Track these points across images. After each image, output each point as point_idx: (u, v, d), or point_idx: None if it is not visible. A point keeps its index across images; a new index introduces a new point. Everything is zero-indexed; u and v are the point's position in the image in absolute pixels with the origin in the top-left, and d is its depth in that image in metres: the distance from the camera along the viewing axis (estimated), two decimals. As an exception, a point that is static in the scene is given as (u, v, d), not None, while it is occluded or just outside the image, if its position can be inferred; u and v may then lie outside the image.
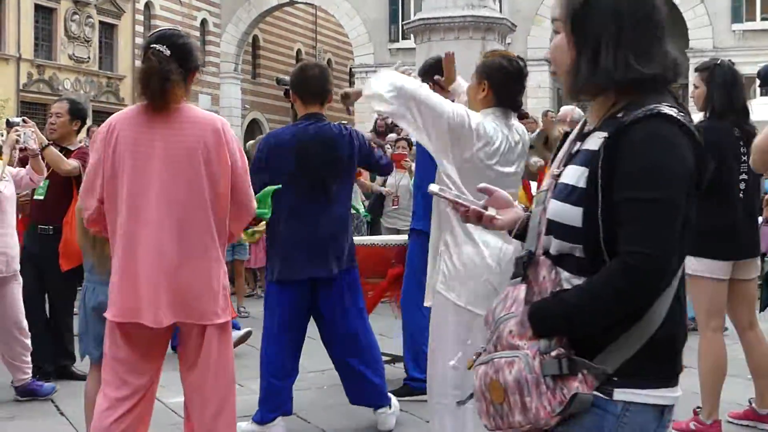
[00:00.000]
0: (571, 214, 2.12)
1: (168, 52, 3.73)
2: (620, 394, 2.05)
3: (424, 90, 3.86)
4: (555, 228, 2.16)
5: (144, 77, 3.73)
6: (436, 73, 5.91)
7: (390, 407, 5.34)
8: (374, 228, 11.26)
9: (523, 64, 4.13)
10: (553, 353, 2.03)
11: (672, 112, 2.08)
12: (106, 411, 3.77)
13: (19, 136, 5.92)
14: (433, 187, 2.49)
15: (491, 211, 2.40)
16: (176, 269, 3.70)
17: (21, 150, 6.06)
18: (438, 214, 4.11)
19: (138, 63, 35.01)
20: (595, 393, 2.04)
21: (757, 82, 8.72)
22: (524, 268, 2.18)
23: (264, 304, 5.39)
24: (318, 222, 5.12)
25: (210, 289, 3.77)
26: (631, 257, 2.00)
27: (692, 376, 5.50)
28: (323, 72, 5.37)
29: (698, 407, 5.13)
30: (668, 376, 2.14)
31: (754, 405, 5.30)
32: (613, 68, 2.12)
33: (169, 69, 3.71)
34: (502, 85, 4.02)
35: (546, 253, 2.17)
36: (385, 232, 11.07)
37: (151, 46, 3.75)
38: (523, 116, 4.15)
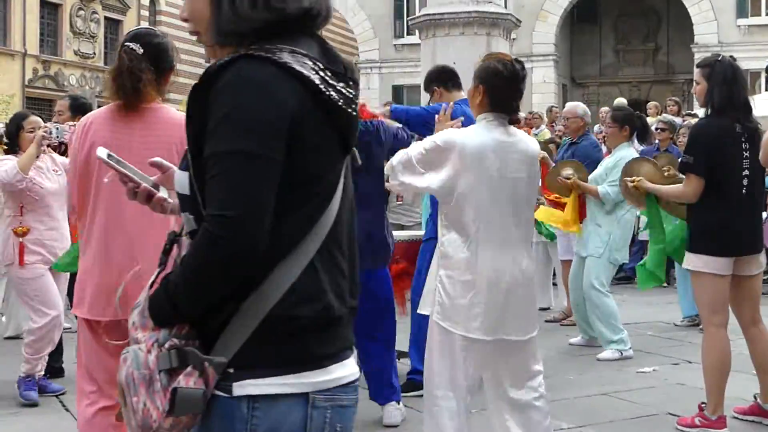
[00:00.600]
0: (182, 181, 1.92)
1: (141, 51, 3.70)
2: (239, 388, 1.80)
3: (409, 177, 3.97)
4: (180, 200, 1.96)
5: (116, 76, 3.68)
6: (439, 81, 5.91)
7: (399, 402, 5.35)
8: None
9: (519, 67, 4.06)
10: (167, 345, 1.80)
11: (271, 54, 1.82)
12: (88, 406, 3.79)
13: (47, 132, 5.88)
14: (102, 153, 2.26)
15: (162, 193, 2.21)
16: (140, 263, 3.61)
17: (59, 144, 6.06)
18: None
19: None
20: (217, 392, 1.79)
21: (763, 76, 8.71)
22: (165, 252, 1.96)
23: None
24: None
25: None
26: (211, 223, 1.75)
27: (698, 371, 5.51)
28: (346, 65, 5.32)
29: (703, 403, 5.12)
30: (299, 360, 1.83)
31: (758, 400, 5.29)
32: (249, 9, 1.87)
33: (141, 68, 3.67)
34: (497, 89, 3.98)
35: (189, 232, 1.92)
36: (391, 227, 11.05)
37: (125, 44, 3.72)
38: (514, 122, 4.08)
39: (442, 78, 5.99)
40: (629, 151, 7.52)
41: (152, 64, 3.72)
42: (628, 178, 5.87)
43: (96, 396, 3.80)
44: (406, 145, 5.35)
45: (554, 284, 10.03)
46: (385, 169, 4.12)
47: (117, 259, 3.65)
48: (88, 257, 3.75)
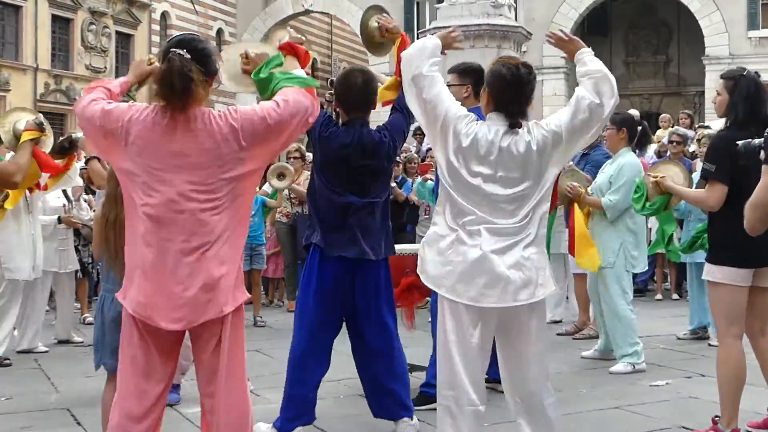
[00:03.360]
0: None
1: (188, 56, 3.73)
2: None
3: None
4: None
5: (166, 77, 3.67)
6: (479, 82, 5.87)
7: (412, 418, 5.32)
8: (405, 236, 11.20)
9: (525, 71, 4.09)
10: None
11: None
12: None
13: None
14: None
15: None
16: (192, 271, 3.67)
17: None
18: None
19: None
20: None
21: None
22: None
23: (296, 304, 5.38)
24: (355, 215, 5.16)
25: (220, 285, 3.72)
26: None
27: (711, 385, 5.49)
28: (366, 80, 5.31)
29: (717, 416, 5.10)
30: None
31: (773, 414, 5.27)
32: None
33: (192, 69, 3.69)
34: (500, 92, 4.05)
35: None
36: (419, 240, 11.11)
37: (171, 49, 3.74)
38: (514, 125, 4.06)
39: (480, 82, 5.93)
40: (630, 156, 7.51)
41: (199, 68, 3.74)
42: (652, 174, 5.98)
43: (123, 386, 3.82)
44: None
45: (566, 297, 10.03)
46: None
47: (165, 260, 3.67)
48: (134, 259, 3.76)
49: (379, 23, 5.65)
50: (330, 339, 5.29)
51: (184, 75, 3.66)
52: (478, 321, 3.93)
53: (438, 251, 4.00)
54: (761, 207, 3.95)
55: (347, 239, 5.15)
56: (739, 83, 5.21)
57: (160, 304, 3.65)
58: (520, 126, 4.04)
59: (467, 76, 6.12)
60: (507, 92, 4.04)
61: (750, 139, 4.87)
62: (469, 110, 5.81)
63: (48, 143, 7.22)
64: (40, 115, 6.80)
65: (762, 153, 4.53)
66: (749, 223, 4.06)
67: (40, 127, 6.97)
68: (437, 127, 4.06)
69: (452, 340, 3.95)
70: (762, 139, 4.63)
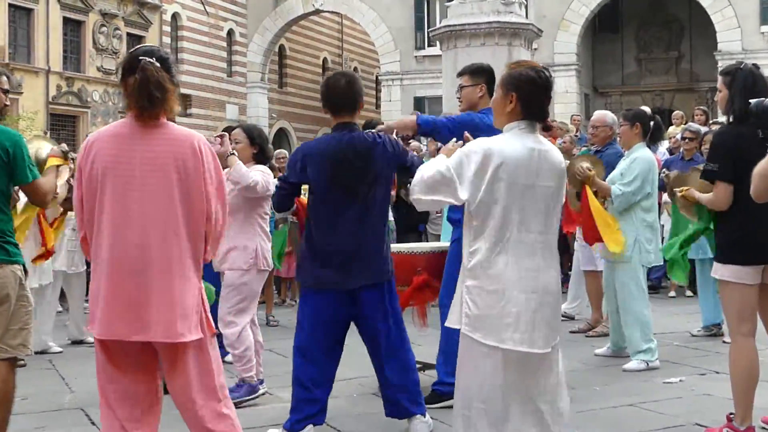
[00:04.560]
0: None
1: (159, 65, 3.75)
2: None
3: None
4: None
5: (141, 87, 3.69)
6: (491, 81, 5.83)
7: (424, 416, 5.33)
8: (416, 235, 11.21)
9: (549, 74, 4.05)
10: None
11: None
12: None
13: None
14: None
15: None
16: (151, 287, 3.70)
17: None
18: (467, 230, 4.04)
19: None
20: None
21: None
22: None
23: (298, 311, 5.39)
24: (354, 232, 5.13)
25: (183, 306, 3.74)
26: None
27: (725, 382, 5.48)
28: (349, 81, 5.31)
29: (731, 413, 5.09)
30: None
31: (787, 410, 5.27)
32: None
33: (165, 78, 3.73)
34: (532, 97, 3.91)
35: None
36: (431, 238, 11.21)
37: (141, 58, 3.74)
38: (547, 128, 4.03)
39: (492, 81, 5.88)
40: (644, 151, 7.49)
41: (170, 78, 3.79)
42: (678, 189, 5.85)
43: (106, 412, 3.85)
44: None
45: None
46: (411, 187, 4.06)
47: (124, 277, 3.70)
48: (96, 276, 3.78)
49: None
50: (334, 343, 5.28)
51: (159, 85, 3.70)
52: None
53: None
54: (766, 176, 3.97)
55: (343, 271, 5.14)
56: (736, 77, 5.18)
57: None
58: (550, 129, 4.00)
59: (480, 76, 6.10)
60: (542, 96, 3.95)
61: (762, 99, 4.84)
62: (481, 110, 5.81)
63: (65, 174, 7.30)
64: (64, 144, 6.87)
65: None
66: (756, 191, 4.07)
67: (64, 155, 7.05)
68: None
69: None
70: None
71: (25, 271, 4.85)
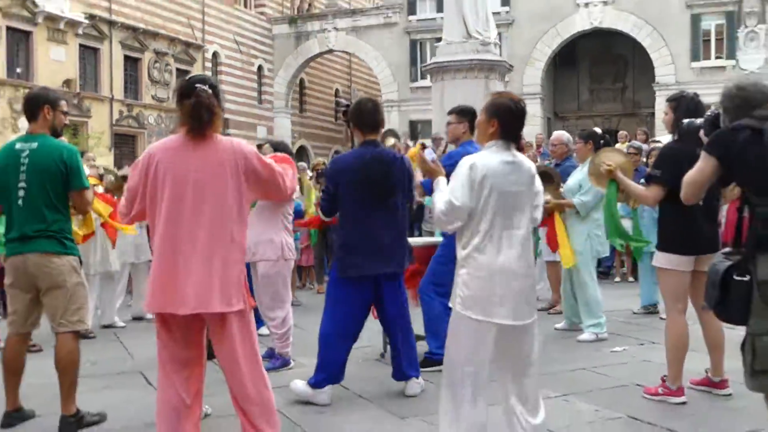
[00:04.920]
0: None
1: (210, 92, 3.77)
2: None
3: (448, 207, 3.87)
4: None
5: (194, 110, 3.70)
6: (473, 120, 5.82)
7: (418, 378, 5.36)
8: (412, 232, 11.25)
9: (524, 105, 4.07)
10: None
11: None
12: (165, 390, 3.84)
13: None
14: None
15: None
16: (204, 267, 3.69)
17: None
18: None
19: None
20: None
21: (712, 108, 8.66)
22: None
23: (327, 292, 5.37)
24: (379, 229, 5.14)
25: (230, 282, 3.74)
26: None
27: (660, 351, 5.50)
28: (376, 106, 5.37)
29: (665, 376, 5.11)
30: None
31: (709, 374, 5.27)
32: None
33: (215, 104, 3.75)
34: (509, 123, 3.95)
35: None
36: (425, 234, 11.23)
37: (196, 85, 3.76)
38: (519, 148, 4.08)
39: (474, 119, 5.86)
40: None
41: (218, 102, 3.81)
42: (604, 162, 5.65)
43: (162, 377, 3.85)
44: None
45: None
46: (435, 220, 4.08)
47: (177, 258, 3.70)
48: (155, 261, 3.79)
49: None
50: (355, 323, 5.28)
51: (210, 109, 3.72)
52: None
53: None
54: (694, 184, 3.99)
55: (371, 258, 5.14)
56: (681, 103, 5.21)
57: None
58: (522, 149, 4.05)
59: (464, 116, 6.05)
60: (516, 122, 3.97)
61: (693, 120, 4.87)
62: (463, 143, 5.82)
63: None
64: (126, 168, 6.94)
65: (701, 132, 4.55)
66: (685, 196, 4.08)
67: (100, 178, 7.33)
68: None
69: None
70: (703, 120, 4.63)
71: (81, 261, 4.86)
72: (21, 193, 4.62)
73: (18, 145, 4.72)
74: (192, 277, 3.66)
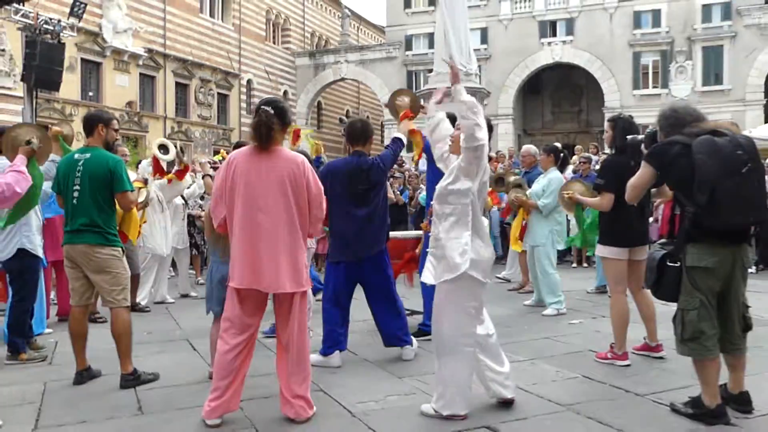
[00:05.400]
0: None
1: (272, 111, 3.75)
2: None
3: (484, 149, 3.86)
4: None
5: (256, 127, 3.74)
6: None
7: (411, 345, 5.33)
8: (402, 226, 11.18)
9: (491, 122, 4.07)
10: None
11: None
12: (226, 352, 3.78)
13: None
14: None
15: None
16: (277, 254, 3.70)
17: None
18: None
19: (243, 120, 35.27)
20: None
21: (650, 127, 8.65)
22: None
23: (325, 276, 5.38)
24: (362, 220, 5.11)
25: (297, 268, 3.76)
26: None
27: (608, 323, 5.48)
28: (364, 125, 5.33)
29: (613, 343, 5.08)
30: None
31: (646, 341, 5.26)
32: None
33: (273, 122, 3.73)
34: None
35: None
36: (414, 228, 11.16)
37: (261, 107, 3.78)
38: (489, 158, 4.08)
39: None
40: (556, 173, 7.55)
41: (278, 120, 3.78)
42: (565, 192, 5.90)
43: (235, 346, 3.79)
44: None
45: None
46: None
47: (254, 247, 3.71)
48: (235, 247, 3.78)
49: (397, 104, 5.64)
50: (343, 296, 5.22)
51: (268, 126, 3.72)
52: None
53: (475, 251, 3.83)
54: (636, 188, 3.99)
55: (353, 247, 5.11)
56: (618, 123, 5.19)
57: None
58: (491, 159, 4.03)
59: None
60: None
61: (636, 135, 4.89)
62: None
63: (143, 194, 7.33)
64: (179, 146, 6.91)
65: (642, 145, 4.57)
66: (629, 197, 4.08)
67: (145, 181, 7.40)
68: (480, 168, 3.87)
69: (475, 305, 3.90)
70: (644, 135, 4.64)
71: (123, 250, 4.83)
72: (75, 193, 4.63)
73: (76, 155, 4.75)
74: (276, 262, 3.69)
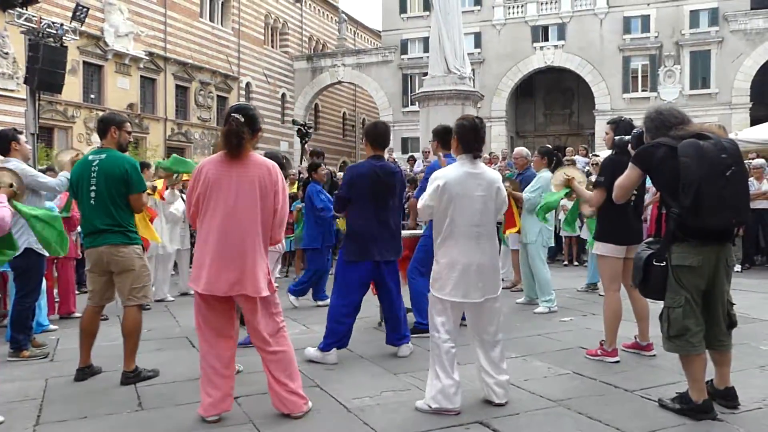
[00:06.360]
0: None
1: (242, 119, 3.72)
2: None
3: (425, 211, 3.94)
4: None
5: (227, 135, 3.69)
6: (438, 137, 5.78)
7: (408, 342, 5.33)
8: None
9: (478, 121, 4.02)
10: None
11: None
12: (207, 354, 3.81)
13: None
14: None
15: None
16: (242, 259, 3.67)
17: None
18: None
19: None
20: None
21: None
22: None
23: (335, 272, 5.31)
24: (382, 223, 5.12)
25: (260, 273, 3.71)
26: None
27: (599, 321, 5.49)
28: (387, 128, 5.34)
29: (603, 340, 5.09)
30: None
31: (637, 339, 5.26)
32: None
33: (243, 130, 3.69)
34: (463, 136, 3.96)
35: None
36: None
37: (232, 114, 3.73)
38: (477, 156, 4.04)
39: (441, 135, 5.82)
40: (547, 173, 7.55)
41: (249, 128, 3.75)
42: (564, 172, 5.72)
43: (204, 344, 3.82)
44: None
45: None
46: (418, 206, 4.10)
47: (223, 251, 3.66)
48: (201, 249, 3.74)
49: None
50: (357, 298, 5.21)
51: (238, 134, 3.67)
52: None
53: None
54: (622, 188, 4.00)
55: (376, 247, 5.12)
56: (619, 125, 5.21)
57: None
58: (480, 157, 4.02)
59: (434, 137, 5.89)
60: (469, 135, 3.96)
61: (623, 136, 4.90)
62: (445, 155, 5.76)
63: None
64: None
65: (630, 146, 4.57)
66: (615, 196, 4.09)
67: (153, 189, 7.42)
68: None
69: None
70: (631, 136, 4.65)
71: (144, 248, 4.83)
72: (92, 194, 4.61)
73: (90, 157, 4.74)
74: (241, 267, 3.64)
